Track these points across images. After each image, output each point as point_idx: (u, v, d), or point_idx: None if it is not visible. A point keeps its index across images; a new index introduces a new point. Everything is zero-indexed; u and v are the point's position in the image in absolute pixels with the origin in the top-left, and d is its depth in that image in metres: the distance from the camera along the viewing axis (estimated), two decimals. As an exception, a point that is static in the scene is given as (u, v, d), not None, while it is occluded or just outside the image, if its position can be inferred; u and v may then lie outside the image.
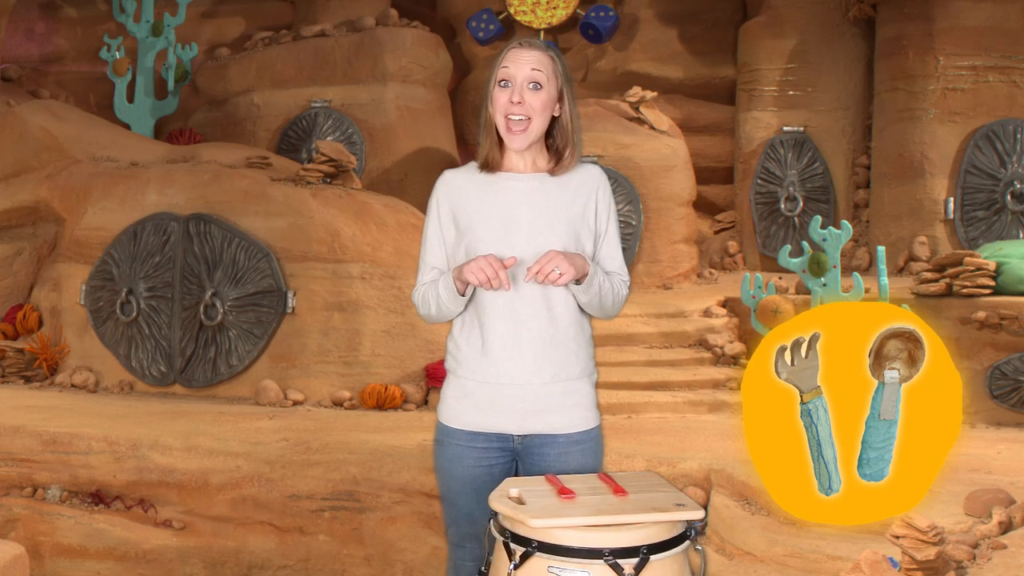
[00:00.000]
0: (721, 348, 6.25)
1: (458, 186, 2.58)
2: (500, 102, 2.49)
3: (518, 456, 2.54)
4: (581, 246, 2.52)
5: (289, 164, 7.02)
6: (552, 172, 2.56)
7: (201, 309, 5.99)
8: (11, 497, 4.99)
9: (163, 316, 6.11)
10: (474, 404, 2.51)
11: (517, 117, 2.47)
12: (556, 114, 2.54)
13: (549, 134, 2.57)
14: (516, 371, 2.48)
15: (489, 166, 2.56)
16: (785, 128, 8.55)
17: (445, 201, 2.57)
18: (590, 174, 2.59)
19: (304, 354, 5.90)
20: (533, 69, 2.47)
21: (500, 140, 2.54)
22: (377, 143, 8.31)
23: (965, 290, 5.45)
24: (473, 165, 2.62)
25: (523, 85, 2.47)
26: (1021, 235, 7.27)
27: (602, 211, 2.56)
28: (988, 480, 3.99)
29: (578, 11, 9.12)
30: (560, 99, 2.53)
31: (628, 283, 2.61)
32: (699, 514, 2.13)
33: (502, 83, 2.49)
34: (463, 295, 2.46)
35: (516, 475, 2.55)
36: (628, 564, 2.02)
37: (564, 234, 2.49)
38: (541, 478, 2.34)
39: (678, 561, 2.10)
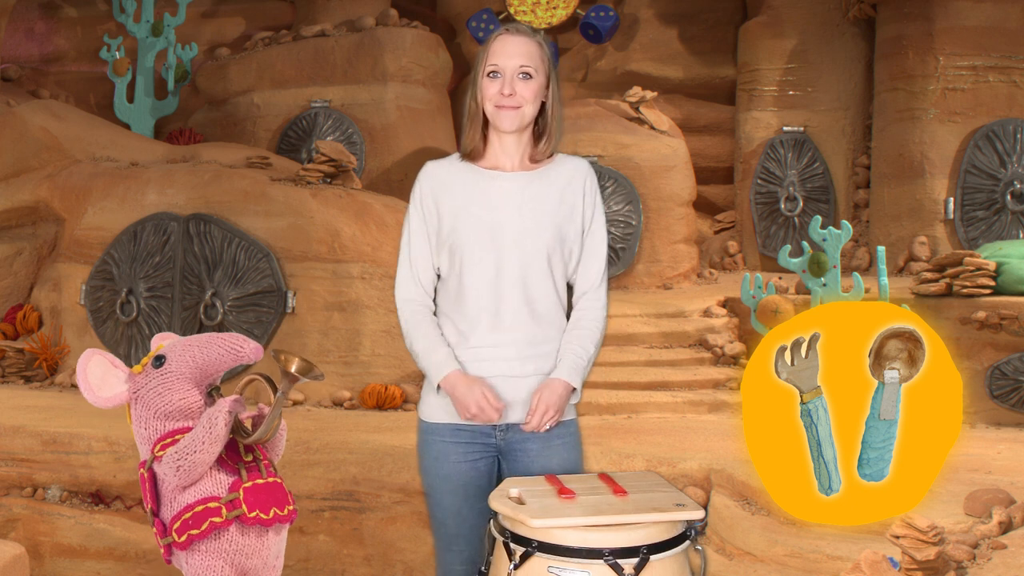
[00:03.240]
0: (721, 348, 6.25)
1: (443, 180, 2.53)
2: (490, 92, 2.46)
3: (501, 454, 2.53)
4: (568, 245, 2.51)
5: (289, 164, 7.02)
6: (532, 158, 2.54)
7: (201, 309, 5.99)
8: (11, 497, 4.99)
9: (163, 316, 6.11)
10: None
11: (508, 107, 2.46)
12: (543, 100, 2.52)
13: (535, 122, 2.54)
14: (498, 366, 2.48)
15: (472, 156, 2.54)
16: (785, 128, 8.55)
17: (429, 194, 2.53)
18: (577, 169, 2.56)
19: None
20: (523, 62, 2.45)
21: (485, 132, 2.52)
22: (377, 143, 8.30)
23: (965, 290, 5.44)
24: (455, 157, 2.58)
25: (513, 76, 2.45)
26: (1021, 235, 7.27)
27: (588, 206, 2.54)
28: (988, 480, 3.99)
29: (578, 11, 9.12)
30: (547, 86, 2.51)
31: (605, 304, 2.57)
32: (699, 514, 2.12)
33: (491, 74, 2.46)
34: (438, 392, 2.47)
35: (499, 473, 2.54)
36: (628, 564, 2.02)
37: (550, 238, 2.48)
38: (541, 478, 2.34)
39: (678, 561, 2.10)
